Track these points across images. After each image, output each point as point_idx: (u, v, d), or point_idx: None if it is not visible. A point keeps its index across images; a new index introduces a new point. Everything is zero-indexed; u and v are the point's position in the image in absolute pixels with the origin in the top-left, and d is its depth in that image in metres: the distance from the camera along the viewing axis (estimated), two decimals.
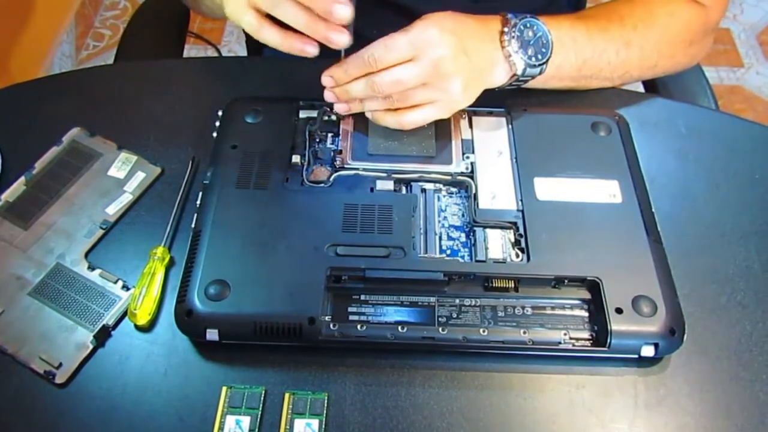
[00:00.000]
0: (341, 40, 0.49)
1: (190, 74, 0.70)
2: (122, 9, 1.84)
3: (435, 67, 0.51)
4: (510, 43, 0.55)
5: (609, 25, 0.60)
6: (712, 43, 0.69)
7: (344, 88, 0.53)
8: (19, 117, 0.64)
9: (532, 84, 0.58)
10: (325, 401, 0.47)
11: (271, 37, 0.51)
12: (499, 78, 0.56)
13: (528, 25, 0.55)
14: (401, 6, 0.70)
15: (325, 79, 0.54)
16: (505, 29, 0.55)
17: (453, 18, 0.54)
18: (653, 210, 0.54)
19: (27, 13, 1.50)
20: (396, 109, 0.54)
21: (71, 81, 0.70)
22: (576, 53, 0.59)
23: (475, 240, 0.52)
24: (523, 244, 0.51)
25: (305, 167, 0.56)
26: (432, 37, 0.51)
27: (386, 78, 0.51)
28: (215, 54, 1.60)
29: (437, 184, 0.56)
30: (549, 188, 0.54)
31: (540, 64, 0.56)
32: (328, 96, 0.54)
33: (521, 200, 0.54)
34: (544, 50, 0.56)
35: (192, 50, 1.63)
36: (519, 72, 0.55)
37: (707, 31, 0.65)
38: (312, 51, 0.51)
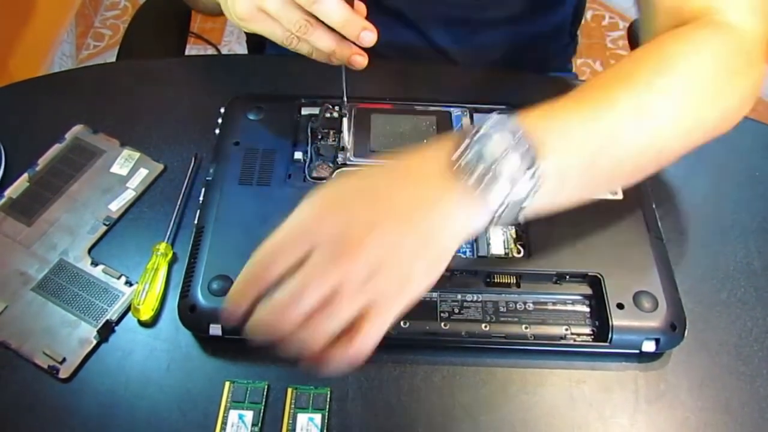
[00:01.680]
0: (363, 62, 0.50)
1: (192, 72, 0.70)
2: (122, 9, 1.84)
3: (334, 251, 0.36)
4: (468, 172, 0.38)
5: (613, 94, 0.43)
6: None
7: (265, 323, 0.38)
8: (22, 114, 0.64)
9: (532, 212, 0.40)
10: (328, 396, 0.47)
11: (304, 48, 0.49)
12: (468, 225, 0.39)
13: (493, 134, 0.38)
14: (396, 10, 0.70)
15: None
16: (455, 155, 0.38)
17: (348, 181, 0.40)
18: (654, 206, 0.54)
19: (27, 13, 1.50)
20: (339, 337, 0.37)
21: (74, 78, 0.70)
22: (579, 153, 0.41)
23: (476, 236, 0.52)
24: (524, 240, 0.51)
25: (307, 164, 0.56)
26: (305, 221, 0.38)
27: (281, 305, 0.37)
28: (215, 53, 1.60)
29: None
30: None
31: (530, 186, 0.38)
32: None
33: None
34: (527, 164, 0.38)
35: (192, 50, 1.63)
36: (496, 206, 0.38)
37: (750, 51, 0.48)
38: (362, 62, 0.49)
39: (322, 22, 0.46)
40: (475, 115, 0.60)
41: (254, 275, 0.38)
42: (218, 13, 0.55)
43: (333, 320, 0.36)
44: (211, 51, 1.49)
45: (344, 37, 0.47)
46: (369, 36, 0.47)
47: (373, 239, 0.36)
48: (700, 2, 0.49)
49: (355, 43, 0.48)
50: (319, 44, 0.48)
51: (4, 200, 0.57)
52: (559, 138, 0.40)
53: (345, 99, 0.56)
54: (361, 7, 0.48)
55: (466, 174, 0.38)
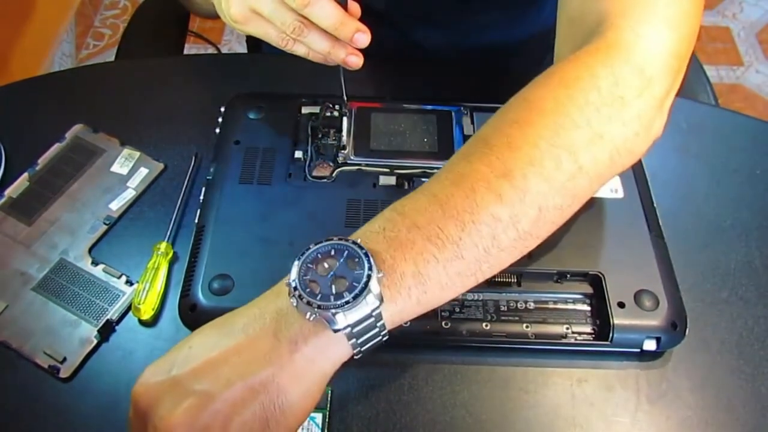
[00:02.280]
0: (358, 62, 0.50)
1: (192, 71, 0.70)
2: (122, 8, 1.84)
3: None
4: (297, 303, 0.36)
5: (458, 169, 0.39)
6: (679, 80, 0.44)
7: None
8: (22, 114, 0.64)
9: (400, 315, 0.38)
10: (329, 395, 0.47)
11: (301, 50, 0.49)
12: (320, 366, 0.36)
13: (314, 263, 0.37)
14: (382, 12, 0.70)
15: None
16: (288, 301, 0.36)
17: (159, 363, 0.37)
18: (655, 205, 0.54)
19: (27, 13, 1.50)
20: None
21: (74, 78, 0.70)
22: (427, 241, 0.37)
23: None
24: None
25: (308, 163, 0.56)
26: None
27: None
28: (215, 53, 1.60)
29: None
30: None
31: (371, 318, 0.36)
32: None
33: None
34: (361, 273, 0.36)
35: (192, 49, 1.62)
36: (341, 327, 0.35)
37: (648, 70, 0.41)
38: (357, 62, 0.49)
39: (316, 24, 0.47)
40: (476, 114, 0.60)
41: None
42: (214, 15, 0.55)
43: None
44: (210, 50, 1.48)
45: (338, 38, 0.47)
46: (362, 37, 0.47)
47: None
48: (605, 10, 0.44)
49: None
50: (313, 46, 0.48)
51: (4, 200, 0.57)
52: (409, 293, 0.37)
53: (345, 98, 0.56)
54: (355, 8, 0.48)
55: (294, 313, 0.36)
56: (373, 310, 0.36)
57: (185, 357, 0.36)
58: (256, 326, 0.36)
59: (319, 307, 0.35)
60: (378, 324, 0.36)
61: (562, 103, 0.40)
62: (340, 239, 0.38)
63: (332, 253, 0.38)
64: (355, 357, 0.38)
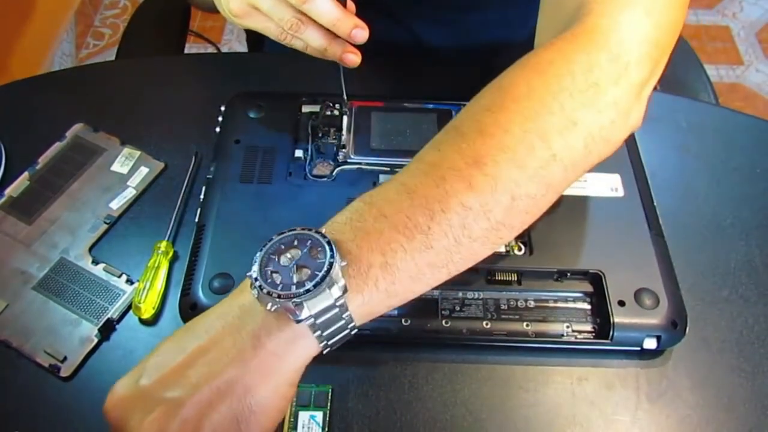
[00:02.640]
0: (356, 60, 0.50)
1: (192, 70, 0.70)
2: (122, 8, 1.84)
3: None
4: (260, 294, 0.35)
5: (430, 192, 0.38)
6: (659, 71, 0.43)
7: None
8: (22, 113, 0.64)
9: (365, 312, 0.38)
10: (329, 394, 0.47)
11: (298, 44, 0.49)
12: (294, 359, 0.36)
13: (274, 269, 0.36)
14: (389, 11, 0.70)
15: None
16: (247, 295, 0.36)
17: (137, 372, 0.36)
18: (655, 204, 0.54)
19: (27, 12, 1.50)
20: None
21: (74, 77, 0.70)
22: (389, 231, 0.37)
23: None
24: (525, 238, 0.51)
25: (308, 162, 0.56)
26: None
27: None
28: (215, 52, 1.60)
29: None
30: None
31: (335, 309, 0.35)
32: None
33: None
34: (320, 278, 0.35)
35: (192, 48, 1.63)
36: (309, 317, 0.35)
37: (623, 58, 0.40)
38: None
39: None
40: None
41: None
42: (214, 10, 0.55)
43: None
44: (210, 49, 1.48)
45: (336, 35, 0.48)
46: (360, 34, 0.47)
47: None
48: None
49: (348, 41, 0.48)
50: (311, 42, 0.48)
51: (4, 199, 0.57)
52: (376, 284, 0.36)
53: (345, 96, 0.56)
54: (351, 6, 0.48)
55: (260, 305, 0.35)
56: (337, 300, 0.35)
57: (154, 365, 0.36)
58: (218, 325, 0.36)
59: (279, 296, 0.34)
60: (344, 315, 0.36)
61: (534, 88, 0.39)
62: (303, 229, 0.37)
63: (295, 243, 0.37)
64: (324, 352, 0.37)
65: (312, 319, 0.35)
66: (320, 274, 0.35)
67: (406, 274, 0.37)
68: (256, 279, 0.35)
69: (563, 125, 0.39)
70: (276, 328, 0.35)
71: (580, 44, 0.41)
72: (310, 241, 0.37)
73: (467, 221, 0.37)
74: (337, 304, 0.35)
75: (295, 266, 0.36)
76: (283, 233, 0.37)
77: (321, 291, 0.34)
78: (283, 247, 0.37)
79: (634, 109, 0.42)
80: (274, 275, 0.36)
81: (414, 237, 0.37)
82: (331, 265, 0.35)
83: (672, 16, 0.43)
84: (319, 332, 0.36)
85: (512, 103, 0.39)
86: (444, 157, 0.39)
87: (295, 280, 0.35)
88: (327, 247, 0.36)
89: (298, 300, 0.34)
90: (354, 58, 0.49)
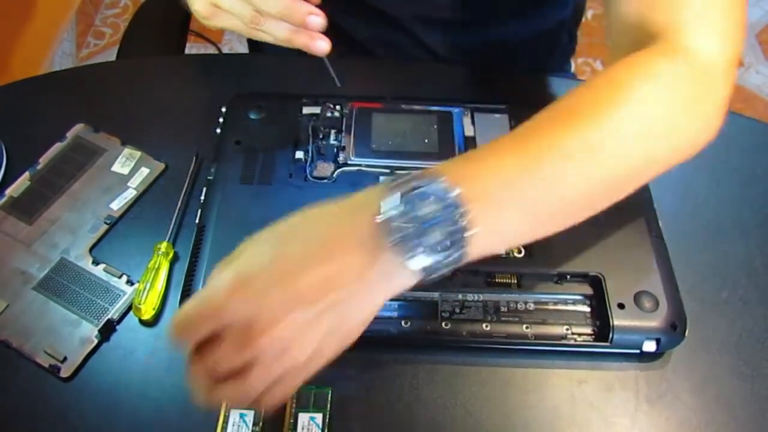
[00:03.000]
0: (322, 46, 0.49)
1: (193, 71, 0.70)
2: (123, 7, 1.84)
3: (238, 340, 0.36)
4: (388, 241, 0.36)
5: (558, 133, 0.41)
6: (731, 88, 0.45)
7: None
8: (23, 113, 0.64)
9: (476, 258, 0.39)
10: (329, 395, 0.47)
11: (267, 38, 0.49)
12: (381, 300, 0.38)
13: (419, 199, 0.36)
14: (386, 12, 0.70)
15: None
16: (379, 230, 0.36)
17: (262, 245, 0.38)
18: (654, 206, 0.54)
19: (28, 12, 1.50)
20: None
21: (75, 77, 0.70)
22: (518, 202, 0.39)
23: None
24: None
25: (309, 163, 0.56)
26: (214, 300, 0.36)
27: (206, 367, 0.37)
28: (216, 52, 1.60)
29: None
30: None
31: (452, 250, 0.36)
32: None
33: None
34: (457, 232, 0.36)
35: (192, 49, 1.62)
36: (419, 274, 0.37)
37: (711, 77, 0.44)
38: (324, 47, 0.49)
39: None
40: (476, 115, 0.60)
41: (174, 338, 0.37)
42: None
43: (243, 393, 0.37)
44: (211, 50, 1.48)
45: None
46: (316, 20, 0.47)
47: (283, 327, 0.35)
48: (664, 21, 0.45)
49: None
50: (274, 33, 0.48)
51: (5, 199, 0.57)
52: (494, 199, 0.38)
53: (337, 83, 0.54)
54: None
55: (390, 241, 0.36)
56: (454, 232, 0.36)
57: (262, 264, 0.37)
58: (336, 238, 0.37)
59: (402, 239, 0.35)
60: (455, 254, 0.36)
61: (648, 93, 0.43)
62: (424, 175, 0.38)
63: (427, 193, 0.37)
64: (425, 279, 0.37)
65: (427, 251, 0.36)
66: (442, 213, 0.36)
67: (523, 213, 0.39)
68: (387, 215, 0.36)
69: (667, 129, 0.43)
70: (391, 253, 0.36)
71: (679, 61, 0.44)
72: (432, 183, 0.37)
73: (581, 172, 0.40)
74: (454, 235, 0.36)
75: (417, 200, 0.36)
76: (422, 179, 0.37)
77: (439, 224, 0.36)
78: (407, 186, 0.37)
79: (719, 121, 0.45)
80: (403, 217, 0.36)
81: (534, 176, 0.39)
82: (453, 202, 0.36)
83: (741, 36, 0.47)
84: (430, 259, 0.36)
85: (624, 104, 0.42)
86: (559, 134, 0.41)
87: (419, 213, 0.36)
88: (452, 201, 0.36)
89: (419, 246, 0.35)
90: (322, 45, 0.49)
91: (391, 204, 0.37)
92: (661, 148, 0.43)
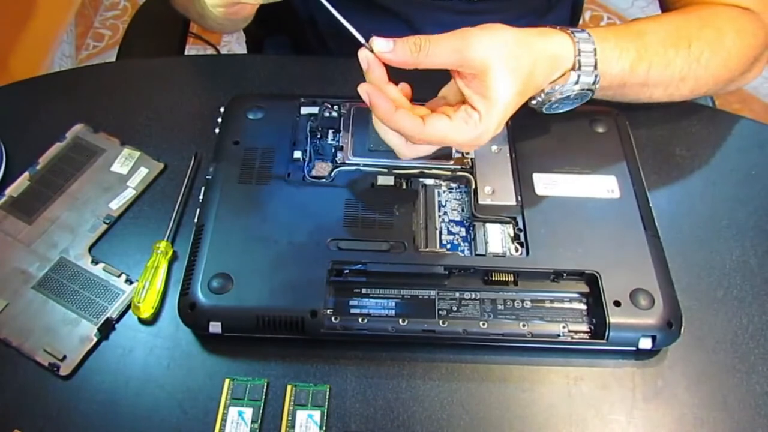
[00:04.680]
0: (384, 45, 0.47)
1: (192, 71, 0.71)
2: (122, 9, 1.84)
3: (481, 139, 0.48)
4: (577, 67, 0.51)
5: (673, 57, 0.56)
6: None
7: (382, 130, 0.49)
8: (23, 113, 0.64)
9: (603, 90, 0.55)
10: (327, 393, 0.48)
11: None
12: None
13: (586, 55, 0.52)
14: (395, 11, 0.70)
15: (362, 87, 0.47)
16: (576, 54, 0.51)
17: (517, 50, 0.47)
18: (650, 205, 0.54)
19: (27, 13, 1.51)
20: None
21: (75, 78, 0.70)
22: (628, 65, 0.55)
23: (474, 234, 0.53)
24: (522, 239, 0.52)
25: (307, 163, 0.56)
26: (497, 106, 0.46)
27: (426, 138, 0.47)
28: (215, 53, 1.60)
29: (437, 180, 0.56)
30: (548, 183, 0.55)
31: (588, 87, 0.52)
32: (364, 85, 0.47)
33: (520, 195, 0.54)
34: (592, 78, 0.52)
35: (191, 50, 1.63)
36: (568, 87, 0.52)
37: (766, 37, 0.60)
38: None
39: None
40: None
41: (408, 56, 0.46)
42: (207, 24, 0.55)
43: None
44: (210, 51, 1.49)
45: None
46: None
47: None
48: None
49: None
50: None
51: (4, 199, 0.57)
52: (615, 60, 0.54)
53: (363, 41, 0.47)
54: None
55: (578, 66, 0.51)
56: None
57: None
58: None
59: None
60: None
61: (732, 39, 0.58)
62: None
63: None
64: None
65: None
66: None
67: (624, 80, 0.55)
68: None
69: (738, 69, 0.60)
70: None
71: (745, 17, 0.59)
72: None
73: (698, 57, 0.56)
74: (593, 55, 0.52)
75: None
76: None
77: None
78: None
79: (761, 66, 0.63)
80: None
81: (638, 70, 0.55)
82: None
83: None
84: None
85: (716, 28, 0.58)
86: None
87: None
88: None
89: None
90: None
91: (572, 51, 0.51)
92: (728, 80, 0.60)
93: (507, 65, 0.46)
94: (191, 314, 0.49)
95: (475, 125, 0.47)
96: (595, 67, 0.52)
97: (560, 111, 0.55)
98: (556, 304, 0.50)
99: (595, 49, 0.52)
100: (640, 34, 0.55)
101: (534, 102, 0.53)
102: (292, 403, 0.47)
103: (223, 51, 1.67)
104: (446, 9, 0.71)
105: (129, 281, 0.53)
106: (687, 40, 0.56)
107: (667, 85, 0.58)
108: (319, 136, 0.59)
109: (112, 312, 0.51)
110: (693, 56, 0.56)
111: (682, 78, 0.57)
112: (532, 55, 0.49)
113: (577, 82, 0.52)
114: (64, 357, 0.49)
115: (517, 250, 0.52)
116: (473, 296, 0.50)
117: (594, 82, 0.52)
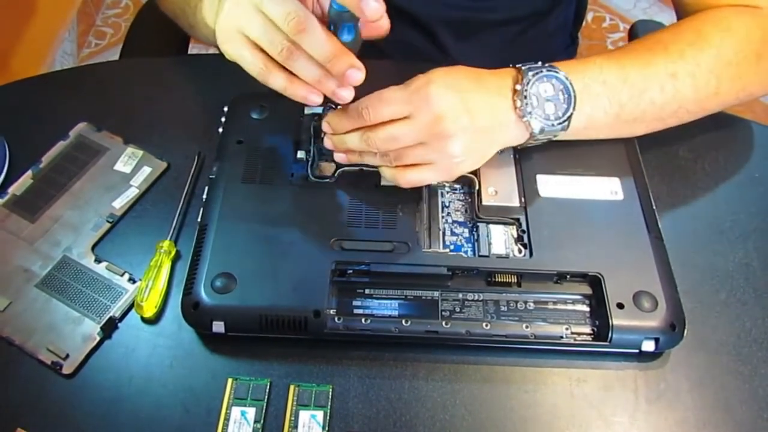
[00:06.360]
0: (347, 95, 0.48)
1: (196, 70, 0.71)
2: (124, 7, 1.84)
3: (431, 126, 0.48)
4: (523, 102, 0.50)
5: (651, 57, 0.53)
6: None
7: (341, 138, 0.51)
8: (26, 111, 0.65)
9: (564, 137, 0.53)
10: (330, 393, 0.48)
11: (277, 82, 0.48)
12: (512, 138, 0.52)
13: (545, 79, 0.50)
14: (402, 9, 0.70)
15: (325, 126, 0.52)
16: (518, 87, 0.50)
17: (458, 73, 0.50)
18: (654, 207, 0.54)
19: (29, 11, 1.51)
20: (395, 166, 0.51)
21: (78, 76, 0.71)
22: (610, 99, 0.52)
23: (478, 235, 0.53)
24: (525, 240, 0.52)
25: (310, 163, 0.56)
26: (431, 94, 0.48)
27: (380, 135, 0.49)
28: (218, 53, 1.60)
29: (441, 181, 0.56)
30: (551, 185, 0.55)
31: (561, 122, 0.51)
32: (327, 143, 0.53)
33: (524, 197, 0.54)
34: (565, 105, 0.51)
35: (194, 49, 1.63)
36: (536, 132, 0.51)
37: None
38: (316, 100, 0.48)
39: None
40: None
41: (358, 113, 0.49)
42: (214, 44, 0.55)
43: (400, 151, 0.50)
44: (213, 50, 1.49)
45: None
46: (356, 75, 0.46)
47: (455, 139, 0.49)
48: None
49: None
50: (302, 72, 0.46)
51: (8, 197, 0.57)
52: (596, 93, 0.52)
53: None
54: (385, 23, 0.48)
55: (521, 105, 0.50)
56: (564, 111, 0.51)
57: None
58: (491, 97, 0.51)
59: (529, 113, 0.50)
60: (558, 126, 0.51)
61: (720, 39, 0.55)
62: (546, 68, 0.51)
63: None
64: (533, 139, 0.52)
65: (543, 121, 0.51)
66: (565, 96, 0.51)
67: (610, 108, 0.53)
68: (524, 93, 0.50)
69: (736, 76, 0.55)
70: (518, 126, 0.51)
71: (752, 21, 0.56)
72: (554, 78, 0.51)
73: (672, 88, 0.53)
74: (563, 111, 0.51)
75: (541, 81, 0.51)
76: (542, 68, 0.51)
77: (553, 101, 0.51)
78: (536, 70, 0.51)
79: None
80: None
81: (624, 84, 0.53)
82: (569, 87, 0.51)
83: None
84: (541, 126, 0.51)
85: (707, 48, 0.54)
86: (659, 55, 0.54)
87: (543, 96, 0.51)
88: (563, 79, 0.51)
89: (532, 113, 0.50)
90: (347, 95, 0.47)
91: (525, 82, 0.50)
92: (725, 89, 0.55)
93: (447, 75, 0.50)
94: (194, 314, 0.49)
95: (406, 86, 0.49)
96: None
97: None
98: (559, 306, 0.50)
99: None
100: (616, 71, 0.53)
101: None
102: (294, 403, 0.47)
103: None
104: (455, 6, 0.71)
105: (132, 280, 0.53)
106: (662, 45, 0.54)
107: (650, 120, 0.56)
108: (322, 136, 0.58)
109: (115, 311, 0.51)
110: (673, 55, 0.54)
111: (666, 116, 0.55)
112: (473, 80, 0.51)
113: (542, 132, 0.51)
114: (67, 356, 0.49)
115: (520, 252, 0.52)
116: (476, 297, 0.50)
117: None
